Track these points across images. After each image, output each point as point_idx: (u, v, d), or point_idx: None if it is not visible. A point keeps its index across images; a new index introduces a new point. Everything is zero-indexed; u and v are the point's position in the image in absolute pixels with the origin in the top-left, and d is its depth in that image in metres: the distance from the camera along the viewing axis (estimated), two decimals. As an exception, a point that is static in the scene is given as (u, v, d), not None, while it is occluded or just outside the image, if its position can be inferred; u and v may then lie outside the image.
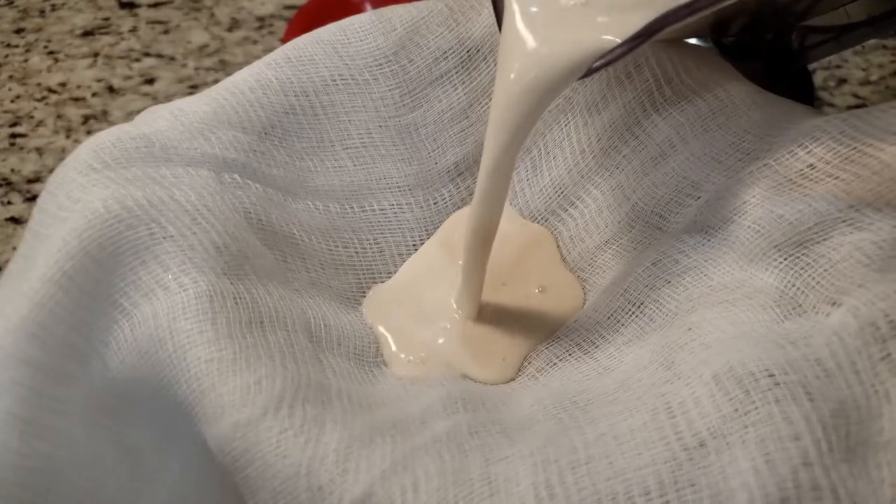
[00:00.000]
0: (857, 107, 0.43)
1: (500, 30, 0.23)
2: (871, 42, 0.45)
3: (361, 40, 0.28)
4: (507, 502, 0.17)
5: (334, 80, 0.27)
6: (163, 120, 0.24)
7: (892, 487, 0.16)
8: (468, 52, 0.29)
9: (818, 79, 0.45)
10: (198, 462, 0.19)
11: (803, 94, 0.40)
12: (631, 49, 0.20)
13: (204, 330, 0.18)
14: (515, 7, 0.22)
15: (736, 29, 0.28)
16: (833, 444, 0.16)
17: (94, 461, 0.19)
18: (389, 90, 0.28)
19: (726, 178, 0.24)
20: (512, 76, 0.21)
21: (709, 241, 0.23)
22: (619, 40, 0.20)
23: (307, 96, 0.27)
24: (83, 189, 0.20)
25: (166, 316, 0.19)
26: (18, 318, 0.18)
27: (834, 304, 0.19)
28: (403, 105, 0.29)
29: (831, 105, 0.44)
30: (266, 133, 0.26)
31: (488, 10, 0.29)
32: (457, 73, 0.30)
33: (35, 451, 0.18)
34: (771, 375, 0.17)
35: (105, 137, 0.22)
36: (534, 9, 0.22)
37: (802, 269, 0.20)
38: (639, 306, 0.24)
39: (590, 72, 0.21)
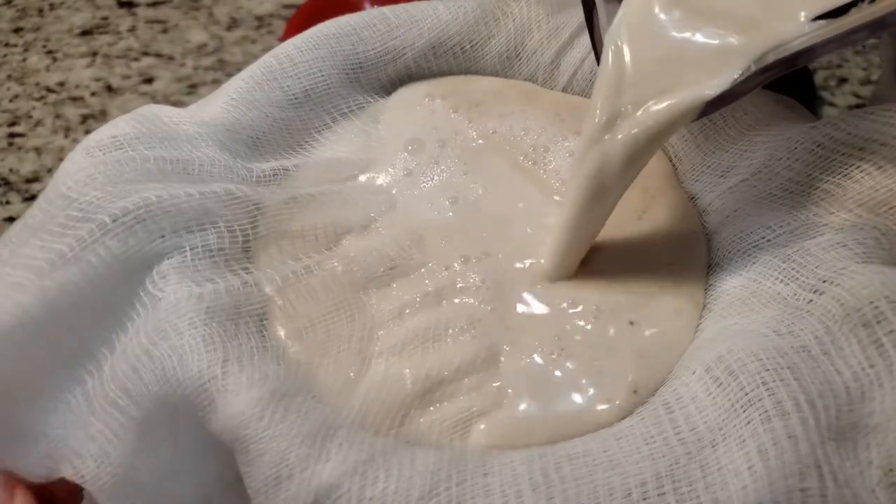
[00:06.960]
0: (858, 106, 0.43)
1: (598, 63, 0.21)
2: (872, 42, 0.45)
3: (373, 64, 0.27)
4: (501, 481, 0.17)
5: (350, 108, 0.27)
6: (217, 151, 0.24)
7: (880, 469, 0.16)
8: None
9: (819, 78, 0.45)
10: (193, 440, 0.20)
11: (804, 93, 0.40)
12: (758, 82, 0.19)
13: (261, 324, 0.21)
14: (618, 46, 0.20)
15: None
16: (820, 423, 0.16)
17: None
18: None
19: (708, 193, 0.24)
20: (619, 136, 0.20)
21: None
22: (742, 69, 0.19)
23: (320, 132, 0.27)
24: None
25: (235, 295, 0.21)
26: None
27: (816, 291, 0.19)
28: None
29: (832, 104, 0.43)
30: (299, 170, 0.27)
31: (496, 40, 0.28)
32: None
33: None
34: (759, 360, 0.18)
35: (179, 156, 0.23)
36: (640, 47, 0.20)
37: (782, 261, 0.21)
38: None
39: (702, 114, 0.19)
